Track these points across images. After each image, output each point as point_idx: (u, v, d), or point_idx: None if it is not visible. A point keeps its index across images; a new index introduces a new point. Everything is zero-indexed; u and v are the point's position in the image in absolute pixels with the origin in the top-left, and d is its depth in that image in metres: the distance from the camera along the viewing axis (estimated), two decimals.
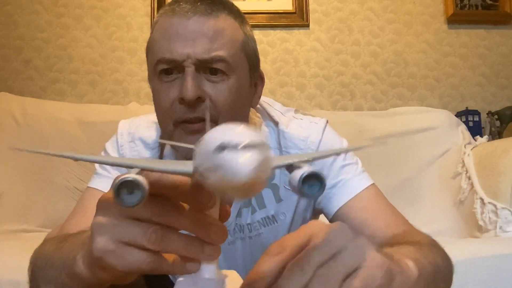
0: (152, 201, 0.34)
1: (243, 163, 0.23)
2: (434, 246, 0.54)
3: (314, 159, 0.36)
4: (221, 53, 0.60)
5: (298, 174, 0.31)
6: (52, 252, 0.50)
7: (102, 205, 0.37)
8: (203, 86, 0.61)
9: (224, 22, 0.62)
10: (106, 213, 0.36)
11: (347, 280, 0.34)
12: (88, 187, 0.73)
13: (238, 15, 0.66)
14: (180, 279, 0.38)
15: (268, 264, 0.35)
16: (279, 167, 0.33)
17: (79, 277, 0.41)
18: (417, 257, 0.44)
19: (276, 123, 0.74)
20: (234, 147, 0.24)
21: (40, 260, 0.52)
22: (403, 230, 0.63)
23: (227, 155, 0.24)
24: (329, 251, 0.34)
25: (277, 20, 1.88)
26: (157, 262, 0.35)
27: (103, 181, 0.71)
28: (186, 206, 0.36)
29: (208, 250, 0.36)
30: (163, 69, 0.62)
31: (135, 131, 0.75)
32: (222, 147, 0.24)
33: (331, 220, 0.71)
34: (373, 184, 0.70)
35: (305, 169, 0.31)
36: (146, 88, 1.83)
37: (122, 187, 0.29)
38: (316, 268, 0.34)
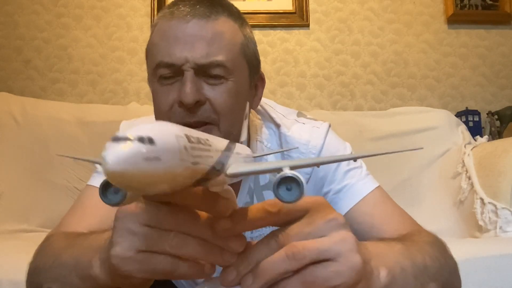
0: (171, 210, 0.35)
1: (110, 152, 0.22)
2: (431, 244, 0.54)
3: (294, 167, 0.34)
4: (219, 58, 0.60)
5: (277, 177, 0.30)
6: (61, 250, 0.50)
7: (121, 215, 0.37)
8: (202, 89, 0.60)
9: (223, 25, 0.62)
10: (125, 222, 0.37)
11: (315, 265, 0.35)
12: (87, 185, 0.73)
13: (238, 17, 0.66)
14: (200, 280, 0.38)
15: (256, 217, 0.36)
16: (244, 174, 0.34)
17: (94, 280, 0.42)
18: (398, 259, 0.45)
19: (277, 125, 0.74)
20: (115, 139, 0.22)
21: (46, 257, 0.52)
22: (410, 231, 0.63)
23: (106, 145, 0.22)
24: (311, 235, 0.36)
25: (277, 20, 1.88)
26: (176, 267, 0.36)
27: (102, 180, 0.71)
28: (204, 214, 0.37)
29: (227, 256, 0.37)
30: (163, 72, 0.62)
31: None
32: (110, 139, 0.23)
33: None
34: (379, 186, 0.70)
35: (283, 172, 0.30)
36: (146, 88, 1.83)
37: (108, 186, 0.30)
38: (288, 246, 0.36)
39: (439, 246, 0.55)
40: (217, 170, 0.31)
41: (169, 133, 0.24)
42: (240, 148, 0.43)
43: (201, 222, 0.36)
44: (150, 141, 0.22)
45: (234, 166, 0.33)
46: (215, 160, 0.30)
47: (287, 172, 0.30)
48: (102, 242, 0.42)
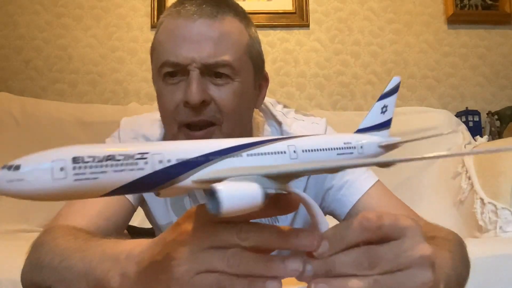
0: (233, 226, 0.34)
1: None
2: (459, 246, 0.55)
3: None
4: (226, 57, 0.60)
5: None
6: (70, 252, 0.49)
7: (183, 237, 0.36)
8: (208, 89, 0.61)
9: (229, 25, 0.62)
10: (186, 246, 0.36)
11: None
12: None
13: (244, 17, 0.66)
14: None
15: (353, 237, 0.35)
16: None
17: None
18: (448, 271, 0.45)
19: (279, 123, 0.74)
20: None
21: (51, 255, 0.51)
22: (421, 224, 0.63)
23: None
24: (401, 265, 0.34)
25: (277, 20, 1.88)
26: (234, 285, 0.34)
27: None
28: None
29: (291, 264, 0.34)
30: (168, 71, 0.62)
31: (138, 128, 0.75)
32: None
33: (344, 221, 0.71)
34: (379, 180, 0.71)
35: (212, 186, 0.30)
36: (146, 88, 1.83)
37: None
38: (378, 273, 0.34)
39: (462, 246, 0.56)
40: (160, 179, 0.32)
41: (44, 160, 0.29)
42: (309, 141, 0.41)
43: (269, 231, 0.35)
44: (16, 167, 0.28)
45: (209, 174, 0.34)
46: (146, 172, 0.32)
47: (213, 186, 0.30)
48: (120, 254, 0.42)
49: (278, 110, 0.77)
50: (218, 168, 0.34)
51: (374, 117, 0.53)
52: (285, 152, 0.38)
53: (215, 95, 0.61)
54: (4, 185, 0.28)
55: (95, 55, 1.83)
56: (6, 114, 1.50)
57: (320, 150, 0.41)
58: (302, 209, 0.74)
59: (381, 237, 0.35)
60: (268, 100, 0.79)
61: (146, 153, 0.32)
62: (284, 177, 0.35)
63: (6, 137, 1.47)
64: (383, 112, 0.54)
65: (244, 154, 0.36)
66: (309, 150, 0.40)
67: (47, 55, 1.82)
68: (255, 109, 0.74)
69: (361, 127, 0.52)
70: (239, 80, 0.62)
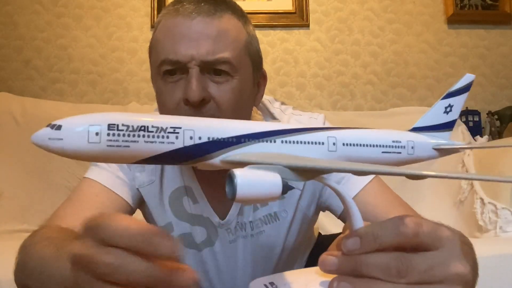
0: (111, 253, 0.32)
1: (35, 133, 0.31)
2: (472, 249, 0.54)
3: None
4: (225, 54, 0.60)
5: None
6: (49, 259, 0.47)
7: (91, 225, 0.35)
8: (208, 87, 0.61)
9: (227, 22, 0.62)
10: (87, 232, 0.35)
11: None
12: (84, 177, 0.72)
13: (242, 15, 0.66)
14: None
15: (387, 239, 0.33)
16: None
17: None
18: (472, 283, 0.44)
19: (277, 120, 0.75)
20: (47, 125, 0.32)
21: (34, 262, 0.49)
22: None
23: None
24: (433, 278, 0.33)
25: (277, 20, 1.88)
26: None
27: (101, 173, 0.71)
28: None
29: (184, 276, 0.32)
30: (167, 69, 0.62)
31: None
32: None
33: (340, 217, 0.71)
34: (377, 176, 0.71)
35: (231, 171, 0.31)
36: (146, 88, 1.83)
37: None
38: (406, 282, 0.32)
39: (473, 248, 0.55)
40: (188, 155, 0.33)
41: (82, 123, 0.31)
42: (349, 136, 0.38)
43: (144, 264, 0.32)
44: (58, 127, 0.31)
45: (238, 156, 0.34)
46: (176, 146, 0.32)
47: (232, 170, 0.30)
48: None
49: (276, 107, 0.78)
50: (248, 151, 0.34)
51: (435, 116, 0.47)
52: (323, 143, 0.36)
53: (214, 93, 0.61)
54: (46, 141, 0.31)
55: (95, 55, 1.83)
56: (6, 114, 1.50)
57: (363, 145, 0.39)
58: (301, 203, 0.75)
59: (416, 245, 0.33)
60: (266, 97, 0.79)
61: (179, 127, 0.33)
62: (310, 172, 0.33)
63: (6, 137, 1.47)
64: (446, 112, 0.48)
65: (279, 140, 0.35)
66: (350, 144, 0.38)
67: (47, 55, 1.82)
68: (253, 107, 0.74)
69: (416, 125, 0.47)
70: (238, 77, 0.62)
